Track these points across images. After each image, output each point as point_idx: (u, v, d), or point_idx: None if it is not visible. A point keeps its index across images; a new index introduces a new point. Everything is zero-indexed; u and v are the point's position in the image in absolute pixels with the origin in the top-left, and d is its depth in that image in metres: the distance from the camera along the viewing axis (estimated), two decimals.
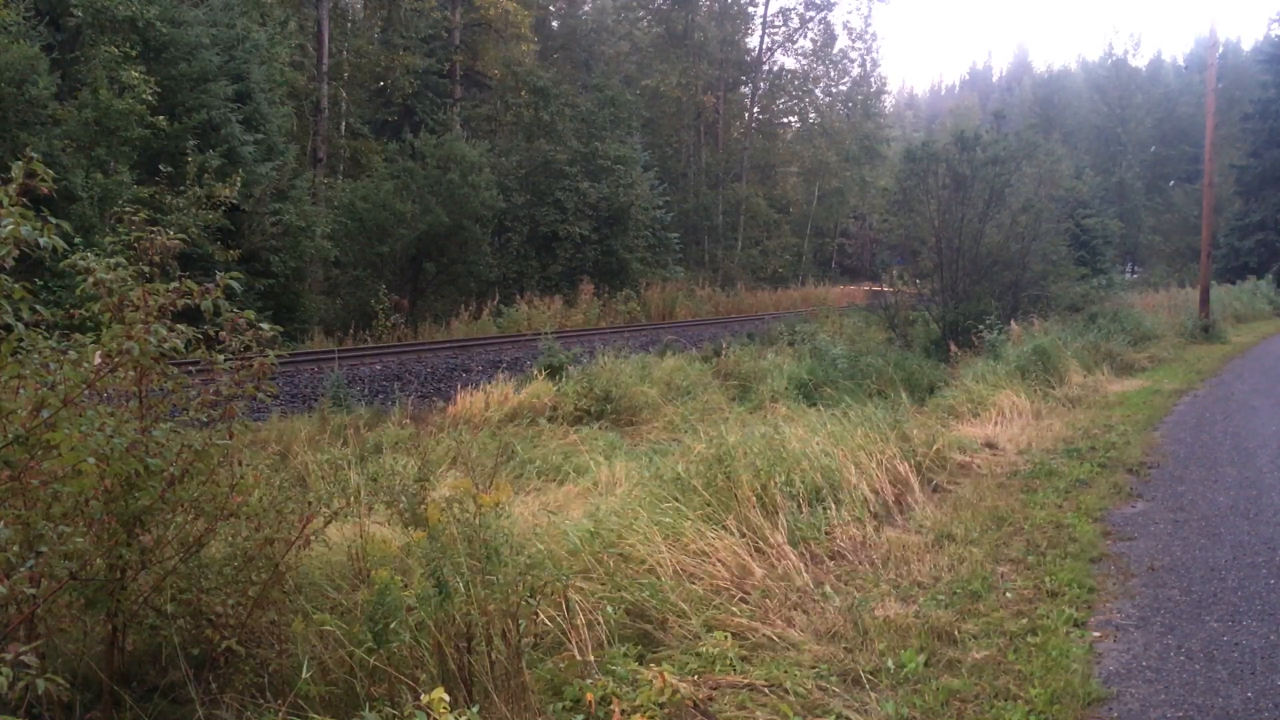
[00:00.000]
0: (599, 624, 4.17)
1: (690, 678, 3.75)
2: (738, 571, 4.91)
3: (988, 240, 18.60)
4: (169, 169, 17.73)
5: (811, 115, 49.94)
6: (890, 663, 4.03)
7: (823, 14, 47.19)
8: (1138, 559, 5.54)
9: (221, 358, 3.73)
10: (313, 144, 28.79)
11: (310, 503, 4.16)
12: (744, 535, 5.25)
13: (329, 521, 4.19)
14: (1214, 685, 3.90)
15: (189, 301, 3.53)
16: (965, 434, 9.04)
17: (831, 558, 5.38)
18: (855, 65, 51.28)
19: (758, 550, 5.17)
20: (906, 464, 6.99)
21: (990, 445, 8.80)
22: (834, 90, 50.94)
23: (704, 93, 43.92)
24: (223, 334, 3.70)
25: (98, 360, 3.35)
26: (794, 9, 46.90)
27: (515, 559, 4.20)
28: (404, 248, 24.83)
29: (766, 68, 47.90)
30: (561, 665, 3.87)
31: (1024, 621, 4.53)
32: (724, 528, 5.24)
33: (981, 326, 15.08)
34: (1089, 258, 28.37)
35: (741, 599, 4.67)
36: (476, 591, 3.76)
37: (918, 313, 19.81)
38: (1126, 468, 7.99)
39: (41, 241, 2.98)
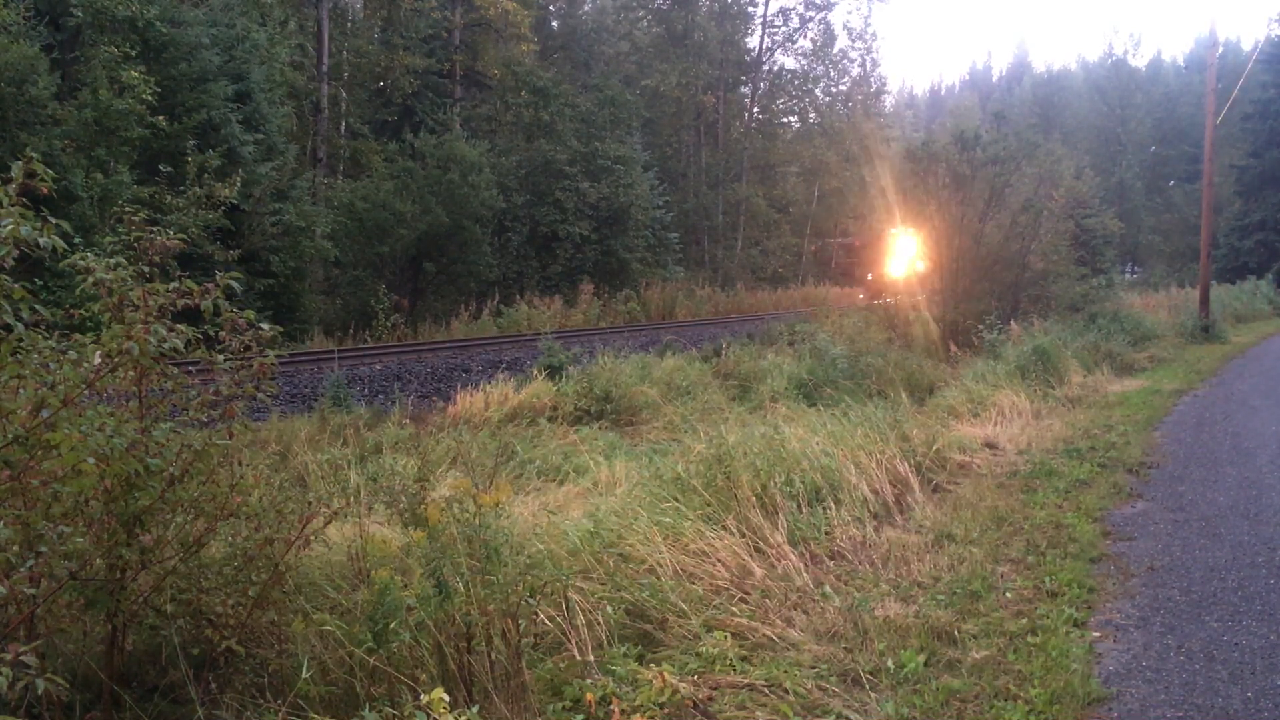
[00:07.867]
0: (599, 624, 4.17)
1: (690, 678, 3.75)
2: (738, 571, 4.91)
3: (988, 240, 18.60)
4: (169, 169, 17.73)
5: (811, 115, 49.96)
6: (890, 663, 4.03)
7: (823, 14, 47.28)
8: (1138, 559, 5.54)
9: (221, 358, 3.73)
10: (313, 144, 28.78)
11: (310, 503, 4.15)
12: (744, 535, 5.25)
13: (329, 521, 4.18)
14: (1214, 685, 3.90)
15: (189, 301, 3.52)
16: (965, 434, 9.04)
17: (831, 558, 5.38)
18: (855, 65, 51.31)
19: (758, 550, 5.17)
20: (906, 464, 6.99)
21: (990, 445, 8.80)
22: (834, 90, 50.95)
23: (704, 93, 43.90)
24: (223, 334, 3.69)
25: (98, 360, 3.34)
26: (794, 9, 46.98)
27: (515, 559, 4.20)
28: (404, 248, 24.84)
29: (766, 68, 47.94)
30: (561, 665, 3.87)
31: (1024, 621, 4.53)
32: (724, 528, 5.24)
33: (981, 326, 15.08)
34: (1089, 258, 28.31)
35: (741, 599, 4.67)
36: (476, 591, 3.76)
37: (918, 313, 19.80)
38: (1126, 468, 7.99)
39: (41, 241, 2.98)
